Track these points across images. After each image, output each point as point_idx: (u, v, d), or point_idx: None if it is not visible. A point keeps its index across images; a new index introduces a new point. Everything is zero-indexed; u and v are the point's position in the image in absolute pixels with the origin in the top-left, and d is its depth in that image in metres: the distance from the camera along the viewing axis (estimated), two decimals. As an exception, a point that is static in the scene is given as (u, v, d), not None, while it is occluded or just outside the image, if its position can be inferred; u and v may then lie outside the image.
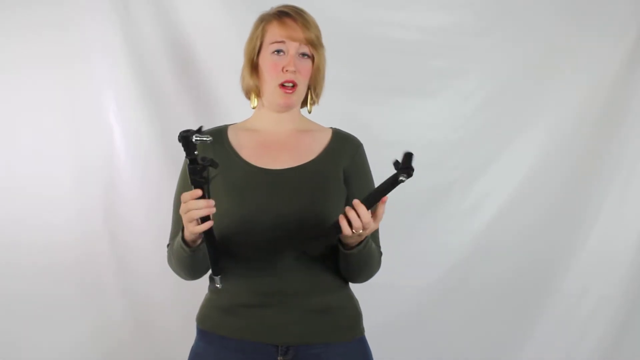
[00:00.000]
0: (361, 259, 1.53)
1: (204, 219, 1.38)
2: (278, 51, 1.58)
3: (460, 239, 2.64)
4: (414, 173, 1.31)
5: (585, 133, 2.63)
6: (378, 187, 1.39)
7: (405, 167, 1.33)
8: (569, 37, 2.60)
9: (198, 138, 1.26)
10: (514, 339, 2.67)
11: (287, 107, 1.61)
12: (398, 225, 2.46)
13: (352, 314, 1.63)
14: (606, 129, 2.64)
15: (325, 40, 2.28)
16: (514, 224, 2.64)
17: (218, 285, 1.48)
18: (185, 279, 1.62)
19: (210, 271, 1.57)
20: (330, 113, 2.17)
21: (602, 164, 2.65)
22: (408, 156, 1.33)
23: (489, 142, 2.64)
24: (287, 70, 1.56)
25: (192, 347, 1.63)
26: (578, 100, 2.63)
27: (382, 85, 2.57)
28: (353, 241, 1.45)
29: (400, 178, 1.33)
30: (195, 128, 1.33)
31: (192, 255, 1.48)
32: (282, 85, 1.57)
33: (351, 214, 1.38)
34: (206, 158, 1.30)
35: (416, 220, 2.61)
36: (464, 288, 2.64)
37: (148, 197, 2.40)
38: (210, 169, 1.32)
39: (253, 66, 1.61)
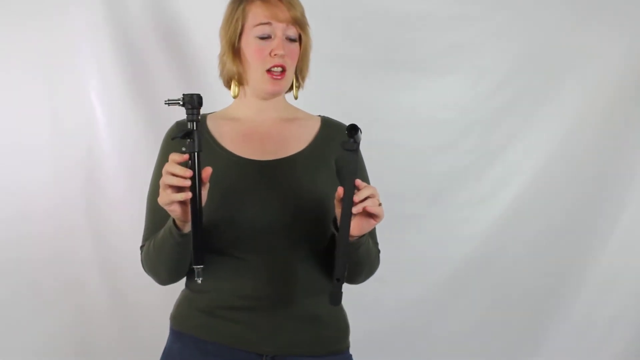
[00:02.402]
0: (367, 253, 1.51)
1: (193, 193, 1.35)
2: (264, 35, 1.53)
3: (474, 230, 2.59)
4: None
5: (614, 114, 2.56)
6: (348, 171, 1.36)
7: (347, 141, 1.34)
8: (598, 9, 2.53)
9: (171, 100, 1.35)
10: (531, 340, 2.63)
11: (276, 94, 1.57)
12: (405, 215, 2.52)
13: (342, 326, 1.60)
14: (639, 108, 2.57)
15: (326, 12, 2.40)
16: (533, 214, 2.59)
17: (198, 280, 1.39)
18: (163, 280, 1.55)
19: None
20: (331, 92, 2.36)
21: (632, 146, 2.59)
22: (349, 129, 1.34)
23: (506, 123, 2.58)
24: (275, 55, 1.51)
25: (165, 349, 1.57)
26: (607, 77, 2.55)
27: (388, 61, 2.53)
28: (360, 231, 1.41)
29: (347, 148, 1.33)
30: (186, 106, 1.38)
31: (180, 243, 1.41)
32: (270, 71, 1.53)
33: (365, 202, 1.34)
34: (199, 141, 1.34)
35: (425, 209, 2.57)
36: (478, 284, 2.60)
37: (131, 176, 2.40)
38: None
39: (235, 51, 1.56)
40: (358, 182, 1.33)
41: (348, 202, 1.33)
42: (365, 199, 1.34)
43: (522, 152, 2.59)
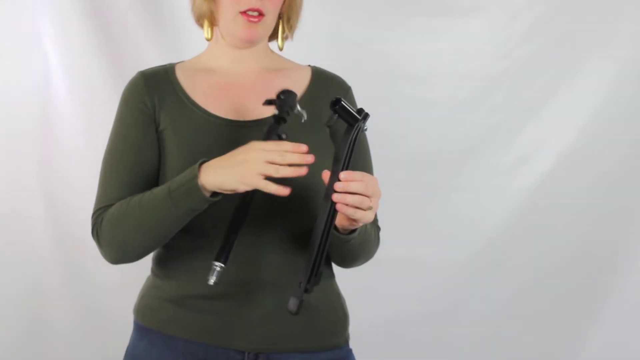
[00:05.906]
0: (362, 242, 1.44)
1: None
2: None
3: (505, 202, 2.49)
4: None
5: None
6: (343, 150, 1.29)
7: (353, 114, 1.28)
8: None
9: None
10: (573, 329, 2.50)
11: (250, 42, 1.50)
12: (422, 184, 2.45)
13: (339, 315, 1.50)
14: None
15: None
16: (574, 183, 2.47)
17: (211, 280, 1.29)
18: (130, 251, 1.42)
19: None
20: (328, 38, 2.36)
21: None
22: (339, 104, 1.27)
23: (543, 73, 2.47)
24: None
25: (128, 348, 1.49)
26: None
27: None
28: (349, 224, 1.34)
29: (365, 128, 1.32)
30: None
31: (196, 212, 1.33)
32: (245, 13, 1.46)
33: (349, 198, 1.25)
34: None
35: (447, 178, 2.48)
36: (509, 266, 2.49)
37: (87, 136, 2.36)
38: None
39: None
40: (343, 173, 1.26)
41: (328, 191, 1.25)
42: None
43: (562, 107, 2.47)
